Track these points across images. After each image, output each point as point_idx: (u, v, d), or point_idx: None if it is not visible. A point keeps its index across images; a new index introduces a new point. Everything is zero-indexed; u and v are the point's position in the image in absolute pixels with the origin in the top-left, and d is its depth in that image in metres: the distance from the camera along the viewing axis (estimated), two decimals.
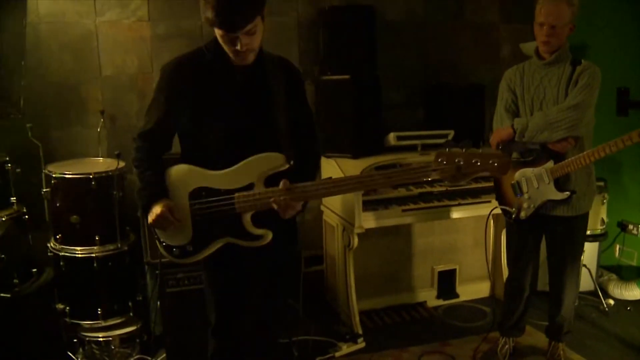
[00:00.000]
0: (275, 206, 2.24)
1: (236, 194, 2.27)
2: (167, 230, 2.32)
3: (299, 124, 2.49)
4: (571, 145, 3.00)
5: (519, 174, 3.14)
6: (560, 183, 3.04)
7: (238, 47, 2.17)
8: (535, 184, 3.07)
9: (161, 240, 2.38)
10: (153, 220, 2.27)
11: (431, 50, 4.62)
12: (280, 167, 2.29)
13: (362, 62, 4.09)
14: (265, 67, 2.38)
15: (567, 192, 3.03)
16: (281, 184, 2.24)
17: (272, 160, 2.29)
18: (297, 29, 4.24)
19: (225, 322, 2.51)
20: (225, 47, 2.22)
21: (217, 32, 2.18)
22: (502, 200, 3.27)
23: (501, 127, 3.17)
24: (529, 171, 3.10)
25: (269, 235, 2.32)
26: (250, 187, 2.28)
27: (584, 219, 3.21)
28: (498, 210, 3.28)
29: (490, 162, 2.08)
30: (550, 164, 3.04)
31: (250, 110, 2.35)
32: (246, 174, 2.28)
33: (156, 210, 2.26)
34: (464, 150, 2.10)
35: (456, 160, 2.09)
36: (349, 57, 4.04)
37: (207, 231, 2.32)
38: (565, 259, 3.21)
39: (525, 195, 3.11)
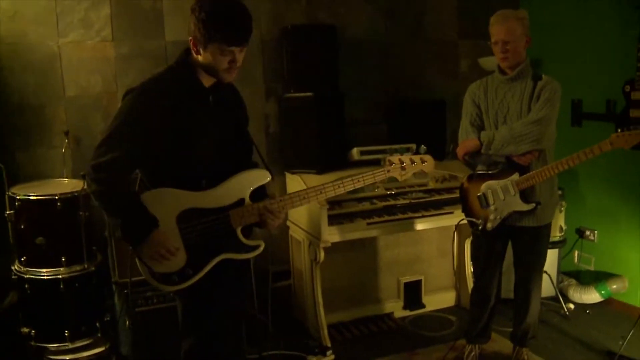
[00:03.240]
0: (271, 216, 2.37)
1: (231, 211, 2.33)
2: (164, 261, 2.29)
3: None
4: (535, 157, 3.11)
5: (485, 186, 3.22)
6: (526, 194, 3.14)
7: (237, 63, 2.25)
8: (501, 196, 3.16)
9: (155, 271, 2.31)
10: (153, 254, 2.24)
11: (392, 67, 4.71)
12: (266, 181, 2.43)
13: (324, 79, 4.16)
14: (229, 86, 2.44)
15: (533, 204, 3.13)
16: (276, 195, 2.42)
17: (261, 177, 2.42)
18: (260, 48, 4.29)
19: (205, 343, 2.46)
20: (217, 64, 2.23)
21: (213, 49, 2.19)
22: (468, 212, 3.34)
23: (467, 139, 3.27)
24: (494, 183, 3.18)
25: (262, 245, 2.43)
26: (241, 202, 2.36)
27: (547, 228, 3.32)
28: (465, 222, 3.37)
29: (420, 159, 2.61)
30: (515, 176, 3.13)
31: (222, 129, 2.39)
32: (234, 191, 2.36)
33: (156, 243, 2.23)
34: (402, 154, 2.61)
35: (398, 159, 2.58)
36: (312, 75, 4.11)
37: (202, 251, 2.33)
38: (531, 268, 3.32)
39: (492, 207, 3.20)
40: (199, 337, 2.43)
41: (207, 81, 2.34)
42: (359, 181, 2.53)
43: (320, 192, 2.48)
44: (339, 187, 2.50)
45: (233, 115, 2.45)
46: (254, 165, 2.52)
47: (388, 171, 2.57)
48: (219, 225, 2.33)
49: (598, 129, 4.25)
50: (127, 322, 3.44)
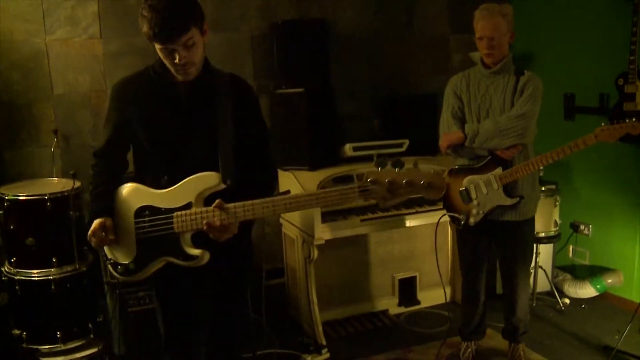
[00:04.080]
0: (205, 227, 2.19)
1: (175, 213, 2.25)
2: (111, 248, 2.35)
3: (251, 144, 2.43)
4: (518, 151, 3.10)
5: (467, 181, 3.18)
6: (509, 189, 3.12)
7: (176, 60, 2.16)
8: (484, 190, 3.13)
9: (108, 257, 2.38)
10: (89, 236, 2.29)
11: (383, 61, 4.67)
12: (216, 187, 2.24)
13: (315, 74, 4.11)
14: (213, 83, 2.34)
15: (517, 198, 3.10)
16: (215, 203, 2.20)
17: (207, 180, 2.24)
18: (250, 44, 4.25)
19: (175, 337, 2.51)
20: (166, 62, 2.21)
21: (157, 47, 2.17)
22: (450, 208, 3.30)
23: (449, 132, 3.23)
24: (477, 178, 3.15)
25: (206, 256, 2.26)
26: (188, 206, 2.25)
27: (530, 223, 3.31)
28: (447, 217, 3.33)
29: (422, 182, 1.97)
30: (499, 170, 3.10)
31: (192, 128, 2.32)
32: (185, 193, 2.26)
33: (94, 228, 2.27)
34: (396, 169, 1.99)
35: (386, 181, 1.99)
36: (303, 70, 4.06)
37: (149, 250, 2.30)
38: (516, 262, 3.29)
39: (474, 202, 3.16)
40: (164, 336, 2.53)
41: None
42: (317, 199, 2.14)
43: (268, 207, 2.17)
44: (290, 203, 2.17)
45: (216, 112, 2.32)
46: (264, 166, 2.46)
47: (363, 191, 2.03)
48: (163, 227, 2.27)
49: (591, 123, 4.10)
50: (119, 323, 3.40)
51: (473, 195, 3.16)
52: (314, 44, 4.12)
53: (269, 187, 2.51)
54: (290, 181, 3.96)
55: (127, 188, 2.35)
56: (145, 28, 2.11)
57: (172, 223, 2.25)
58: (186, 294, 2.47)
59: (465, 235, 3.37)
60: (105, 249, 2.36)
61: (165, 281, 2.44)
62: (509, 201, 3.12)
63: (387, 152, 4.14)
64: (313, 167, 3.99)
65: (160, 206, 2.27)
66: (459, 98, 3.25)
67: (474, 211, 3.16)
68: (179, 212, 2.24)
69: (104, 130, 2.40)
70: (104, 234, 2.26)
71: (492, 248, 3.40)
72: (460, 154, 3.23)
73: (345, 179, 3.93)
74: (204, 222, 2.19)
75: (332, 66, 4.28)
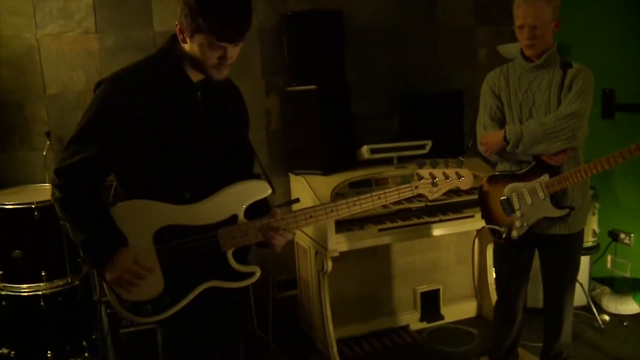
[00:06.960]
0: (273, 235, 2.04)
1: (219, 230, 1.98)
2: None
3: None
4: (568, 156, 2.76)
5: (508, 189, 2.85)
6: (557, 198, 2.78)
7: (228, 60, 1.93)
8: (529, 200, 2.80)
9: (124, 299, 1.98)
10: (117, 278, 1.91)
11: (403, 56, 4.43)
12: (264, 195, 2.07)
13: (329, 70, 3.90)
14: (224, 86, 2.13)
15: (567, 209, 2.76)
16: (277, 212, 2.06)
17: (258, 189, 2.07)
18: (258, 37, 4.02)
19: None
20: (204, 58, 1.92)
21: (201, 41, 1.88)
22: (489, 219, 2.97)
23: (489, 135, 2.90)
24: (520, 186, 2.82)
25: (258, 272, 2.07)
26: (233, 219, 2.01)
27: (580, 236, 2.95)
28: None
29: (455, 173, 2.33)
30: (545, 177, 2.76)
31: (216, 133, 2.08)
32: (227, 205, 2.01)
33: (121, 265, 1.90)
34: (433, 168, 2.33)
35: (429, 173, 2.30)
36: (316, 66, 3.85)
37: (184, 277, 1.99)
38: (564, 280, 2.95)
39: (517, 213, 2.83)
40: None
41: (195, 75, 2.01)
42: (379, 198, 2.21)
43: (332, 211, 2.13)
44: (354, 205, 2.16)
45: (228, 118, 2.12)
46: (255, 177, 2.21)
47: (416, 187, 2.28)
48: (205, 247, 1.98)
49: (633, 122, 3.95)
50: (110, 344, 3.19)
51: (515, 206, 2.83)
52: (328, 37, 3.91)
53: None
54: (302, 187, 3.72)
55: (131, 206, 1.96)
56: (201, 21, 1.83)
57: (216, 241, 1.98)
58: (195, 314, 2.14)
59: (505, 250, 3.03)
60: (119, 290, 1.97)
61: (203, 316, 2.12)
62: (557, 212, 2.77)
63: (408, 154, 3.93)
64: (327, 171, 3.76)
65: (191, 224, 1.97)
66: (498, 97, 2.91)
67: (517, 223, 2.83)
68: (225, 228, 1.99)
69: (86, 138, 1.89)
70: (141, 268, 1.92)
71: (532, 263, 3.05)
72: (505, 157, 2.90)
73: (363, 183, 3.73)
74: (271, 230, 2.04)
75: (347, 61, 4.06)
